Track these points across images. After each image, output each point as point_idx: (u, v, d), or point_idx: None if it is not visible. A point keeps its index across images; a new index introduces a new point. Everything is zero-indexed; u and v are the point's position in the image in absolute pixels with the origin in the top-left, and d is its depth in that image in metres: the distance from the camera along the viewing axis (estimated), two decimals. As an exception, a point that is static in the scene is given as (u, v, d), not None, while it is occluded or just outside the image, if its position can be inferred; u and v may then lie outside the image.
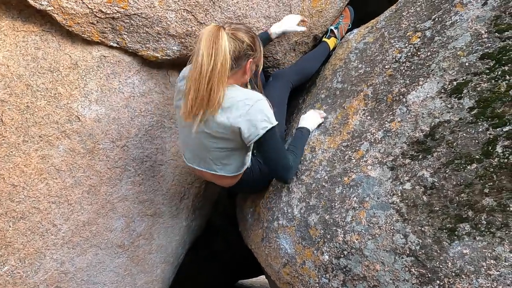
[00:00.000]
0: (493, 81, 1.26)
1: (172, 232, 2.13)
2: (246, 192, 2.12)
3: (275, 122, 1.51)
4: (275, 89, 1.92)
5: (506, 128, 1.15)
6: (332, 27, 2.13)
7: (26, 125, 1.56)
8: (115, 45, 1.70)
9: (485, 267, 1.05)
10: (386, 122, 1.50)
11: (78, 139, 1.69)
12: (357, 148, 1.55)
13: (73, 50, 1.64)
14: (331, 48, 2.10)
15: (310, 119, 1.81)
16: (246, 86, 1.66)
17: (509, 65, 1.24)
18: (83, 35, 1.62)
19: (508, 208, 1.06)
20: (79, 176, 1.72)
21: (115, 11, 1.60)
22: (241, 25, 1.54)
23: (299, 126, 1.80)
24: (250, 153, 1.71)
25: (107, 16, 1.60)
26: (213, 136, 1.55)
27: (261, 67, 1.64)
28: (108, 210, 1.83)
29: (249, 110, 1.46)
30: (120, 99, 1.78)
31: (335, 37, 2.12)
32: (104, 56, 1.71)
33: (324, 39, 2.13)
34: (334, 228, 1.43)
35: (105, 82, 1.73)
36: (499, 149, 1.14)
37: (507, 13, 1.34)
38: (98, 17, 1.59)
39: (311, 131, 1.79)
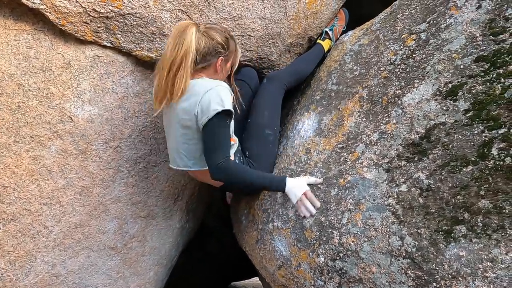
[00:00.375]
0: (488, 83, 1.27)
1: (166, 234, 2.10)
2: (238, 193, 2.11)
3: (228, 107, 1.50)
4: (269, 92, 1.92)
5: (502, 131, 1.15)
6: (327, 29, 2.13)
7: (18, 125, 1.54)
8: (108, 44, 1.68)
9: (481, 269, 1.06)
10: (381, 124, 1.50)
11: (71, 140, 1.67)
12: (353, 149, 1.55)
13: (66, 50, 1.62)
14: (326, 50, 2.11)
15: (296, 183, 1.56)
16: None
17: (504, 68, 1.25)
18: (76, 35, 1.60)
19: (504, 210, 1.06)
20: (71, 177, 1.70)
21: (109, 11, 1.58)
22: (217, 26, 1.64)
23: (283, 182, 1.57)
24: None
25: (101, 15, 1.58)
26: (182, 126, 1.59)
27: (235, 68, 1.72)
28: (101, 212, 1.81)
29: (206, 94, 1.51)
30: (114, 100, 1.76)
31: (330, 39, 2.12)
32: (98, 56, 1.69)
33: (318, 41, 2.13)
34: (330, 230, 1.43)
35: (98, 82, 1.70)
36: (494, 151, 1.14)
37: (501, 16, 1.35)
38: (92, 16, 1.57)
39: (285, 187, 1.54)
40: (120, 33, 1.66)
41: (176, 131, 1.63)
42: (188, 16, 1.73)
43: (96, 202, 1.78)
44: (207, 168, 1.57)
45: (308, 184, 1.56)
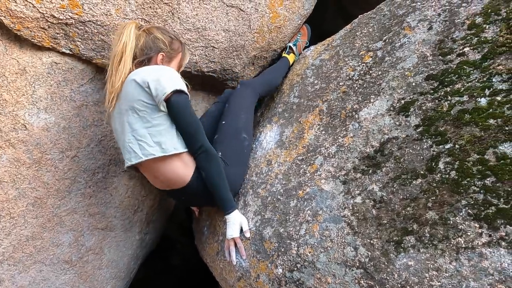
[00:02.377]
0: (436, 101, 1.34)
1: (124, 246, 2.05)
2: (199, 205, 2.08)
3: (181, 88, 1.50)
4: (245, 96, 1.90)
5: (448, 146, 1.22)
6: (291, 44, 2.18)
7: (-35, 133, 1.46)
8: (67, 51, 1.64)
9: (427, 278, 1.10)
10: (339, 137, 1.55)
11: (24, 149, 1.60)
12: (312, 162, 1.58)
13: (21, 55, 1.56)
14: (291, 63, 2.15)
15: (238, 220, 1.60)
16: None
17: (451, 86, 1.33)
18: (32, 40, 1.55)
19: (448, 222, 1.12)
20: (24, 187, 1.63)
21: (69, 17, 1.55)
22: (164, 28, 1.68)
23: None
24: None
25: (59, 21, 1.55)
26: (135, 110, 1.50)
27: (182, 68, 1.74)
28: (55, 224, 1.74)
29: (157, 72, 1.50)
30: (72, 108, 1.71)
31: (294, 53, 2.17)
32: (55, 63, 1.64)
33: (284, 54, 2.18)
34: (288, 241, 1.45)
35: (55, 90, 1.66)
36: (441, 165, 1.21)
37: (449, 38, 1.44)
38: (50, 22, 1.53)
39: (230, 213, 1.57)
40: (80, 40, 1.63)
41: (130, 120, 1.52)
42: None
43: (50, 214, 1.71)
44: (173, 152, 1.53)
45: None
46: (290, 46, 2.17)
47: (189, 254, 3.08)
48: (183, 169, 1.58)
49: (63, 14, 1.53)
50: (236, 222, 1.57)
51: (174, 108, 1.50)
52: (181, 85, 1.52)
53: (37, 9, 1.49)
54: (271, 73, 2.09)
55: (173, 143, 1.54)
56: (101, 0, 1.58)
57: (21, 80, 1.57)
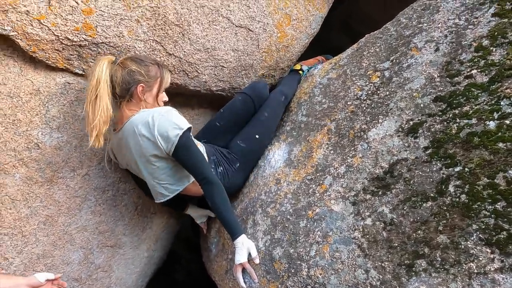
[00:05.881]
0: (445, 123, 1.35)
1: (133, 263, 2.05)
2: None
3: (185, 126, 1.56)
4: (279, 106, 2.01)
5: (457, 169, 1.23)
6: (307, 68, 2.18)
7: (-20, 153, 1.49)
8: (80, 72, 1.67)
9: (440, 303, 1.11)
10: (348, 157, 1.56)
11: (37, 167, 1.63)
12: (321, 182, 1.59)
13: (35, 76, 1.59)
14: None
15: (247, 245, 1.62)
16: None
17: (459, 108, 1.34)
18: (47, 61, 1.59)
19: (460, 246, 1.12)
20: (36, 206, 1.64)
21: (83, 39, 1.58)
22: (137, 55, 1.67)
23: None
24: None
25: (73, 43, 1.58)
26: (150, 162, 1.63)
27: (164, 88, 1.70)
28: (66, 242, 1.75)
29: (162, 124, 1.54)
30: (83, 127, 1.73)
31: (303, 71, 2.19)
32: (69, 83, 1.67)
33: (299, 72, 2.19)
34: (299, 262, 1.45)
35: (68, 109, 1.68)
36: (451, 188, 1.22)
37: (456, 59, 1.45)
38: (64, 44, 1.57)
39: (238, 238, 1.60)
40: (92, 61, 1.66)
41: (149, 171, 1.66)
42: (162, 46, 1.76)
43: (61, 232, 1.73)
44: (191, 182, 1.72)
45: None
46: (307, 69, 2.18)
47: (194, 270, 3.08)
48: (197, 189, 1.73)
49: (77, 36, 1.57)
50: (244, 248, 1.58)
51: (179, 151, 1.58)
52: (183, 125, 1.56)
53: (52, 32, 1.53)
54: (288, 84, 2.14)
55: (186, 174, 1.72)
56: (114, 22, 1.61)
57: (35, 100, 1.60)
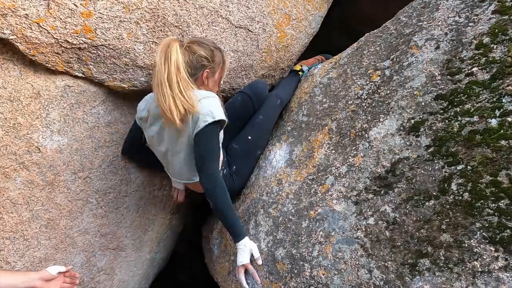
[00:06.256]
0: (446, 121, 1.35)
1: (135, 266, 2.05)
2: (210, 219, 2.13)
3: (219, 117, 1.54)
4: (274, 112, 2.02)
5: (460, 167, 1.22)
6: (307, 68, 2.17)
7: (-19, 158, 1.49)
8: (80, 75, 1.67)
9: (444, 302, 1.10)
10: (349, 157, 1.56)
11: (38, 171, 1.63)
12: (323, 181, 1.59)
13: (35, 79, 1.59)
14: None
15: (250, 246, 1.61)
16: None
17: (460, 106, 1.34)
18: (47, 65, 1.58)
19: (463, 244, 1.12)
20: (37, 209, 1.64)
21: (82, 42, 1.58)
22: (200, 39, 1.67)
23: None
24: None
25: (73, 46, 1.58)
26: (190, 145, 1.61)
27: (223, 79, 1.75)
28: (68, 245, 1.75)
29: (197, 107, 1.52)
30: (84, 129, 1.74)
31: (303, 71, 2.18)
32: (69, 86, 1.67)
33: (299, 72, 2.18)
34: (301, 262, 1.45)
35: (68, 112, 1.68)
36: (453, 186, 1.21)
37: (457, 57, 1.45)
38: (64, 47, 1.57)
39: (240, 241, 1.57)
40: (92, 63, 1.66)
41: (184, 150, 1.64)
42: (161, 48, 1.75)
43: (63, 235, 1.73)
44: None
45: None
46: (307, 69, 2.17)
47: (198, 271, 3.07)
48: None
49: (77, 39, 1.57)
50: (246, 249, 1.57)
51: (200, 139, 1.56)
52: (217, 115, 1.54)
53: (52, 35, 1.52)
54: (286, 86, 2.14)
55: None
56: (113, 24, 1.61)
57: (35, 103, 1.60)
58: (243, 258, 1.57)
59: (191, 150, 1.62)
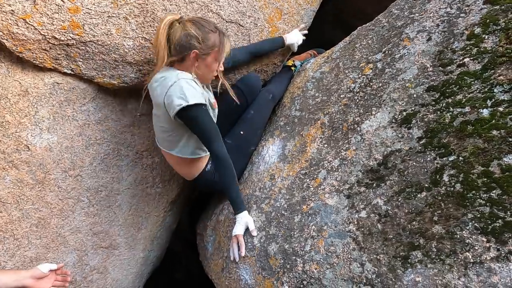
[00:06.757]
0: (438, 112, 1.33)
1: (129, 264, 2.03)
2: (211, 191, 2.18)
3: (192, 102, 1.52)
4: (267, 110, 2.02)
5: (451, 158, 1.21)
6: (299, 63, 2.16)
7: (-32, 156, 1.47)
8: (69, 71, 1.65)
9: (436, 294, 1.09)
10: (342, 151, 1.55)
11: (27, 170, 1.61)
12: (315, 176, 1.57)
13: (23, 77, 1.57)
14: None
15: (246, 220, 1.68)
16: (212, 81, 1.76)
17: (452, 97, 1.32)
18: (34, 62, 1.56)
19: (455, 236, 1.11)
20: (27, 208, 1.62)
21: (70, 38, 1.56)
22: (199, 19, 1.63)
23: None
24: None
25: (61, 42, 1.56)
26: (155, 114, 1.69)
27: (222, 65, 1.71)
28: (59, 244, 1.73)
29: (171, 88, 1.53)
30: (74, 127, 1.72)
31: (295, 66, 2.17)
32: (57, 83, 1.65)
33: (291, 68, 2.17)
34: (294, 257, 1.43)
35: (57, 110, 1.66)
36: (445, 177, 1.20)
37: (449, 48, 1.44)
38: (52, 43, 1.55)
39: (241, 212, 1.67)
40: (81, 60, 1.64)
41: (159, 118, 1.68)
42: (151, 44, 1.74)
43: (54, 234, 1.71)
44: (186, 156, 1.73)
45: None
46: (299, 64, 2.16)
47: (194, 269, 3.05)
48: (189, 170, 1.85)
49: (64, 35, 1.55)
50: (243, 222, 1.64)
51: (185, 120, 1.60)
52: (190, 99, 1.52)
53: (39, 31, 1.50)
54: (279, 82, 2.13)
55: (189, 151, 1.76)
56: (102, 20, 1.59)
57: (23, 101, 1.58)
58: (237, 230, 1.64)
59: (165, 120, 1.63)
